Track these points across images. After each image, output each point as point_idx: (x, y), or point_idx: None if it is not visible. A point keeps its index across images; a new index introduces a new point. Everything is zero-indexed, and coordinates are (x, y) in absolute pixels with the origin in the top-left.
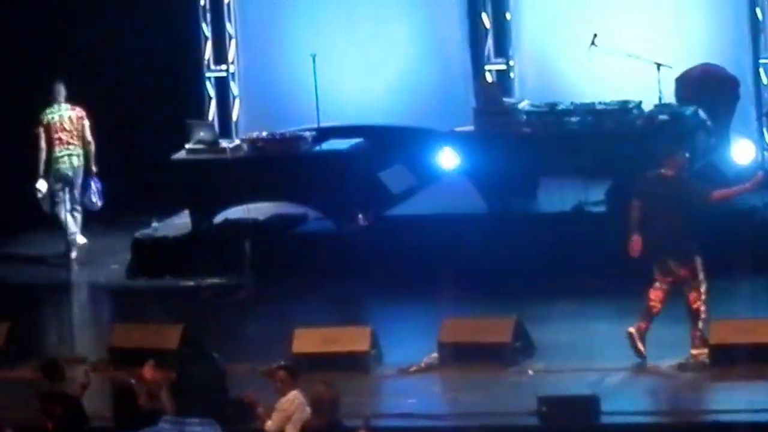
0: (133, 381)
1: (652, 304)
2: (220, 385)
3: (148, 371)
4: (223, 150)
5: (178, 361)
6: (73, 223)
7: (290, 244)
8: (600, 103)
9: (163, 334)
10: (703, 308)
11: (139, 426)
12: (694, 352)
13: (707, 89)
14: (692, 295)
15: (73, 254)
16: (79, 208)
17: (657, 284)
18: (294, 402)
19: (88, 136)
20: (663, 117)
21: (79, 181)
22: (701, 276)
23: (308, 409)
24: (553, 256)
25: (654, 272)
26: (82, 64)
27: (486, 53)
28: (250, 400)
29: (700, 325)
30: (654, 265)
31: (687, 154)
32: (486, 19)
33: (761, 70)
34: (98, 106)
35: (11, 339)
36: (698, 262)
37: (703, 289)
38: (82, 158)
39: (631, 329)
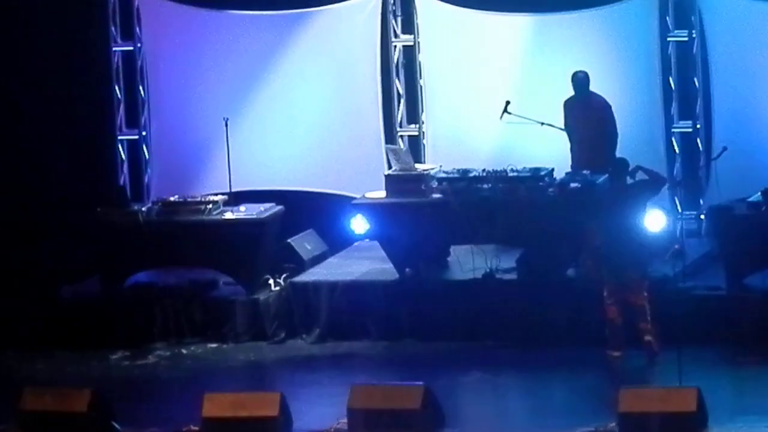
0: None
1: (613, 319)
2: None
3: None
4: (135, 214)
5: (81, 427)
6: None
7: (201, 309)
8: (512, 170)
9: (73, 398)
10: (647, 307)
11: None
12: (648, 338)
13: None
14: (637, 299)
15: None
16: None
17: (608, 303)
18: None
19: None
20: (575, 185)
21: None
22: (645, 293)
23: None
24: (463, 323)
25: (604, 290)
26: None
27: (398, 119)
28: None
29: (648, 317)
30: (606, 284)
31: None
32: (398, 85)
33: (673, 139)
34: (8, 169)
35: None
36: (645, 281)
37: (646, 300)
38: None
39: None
